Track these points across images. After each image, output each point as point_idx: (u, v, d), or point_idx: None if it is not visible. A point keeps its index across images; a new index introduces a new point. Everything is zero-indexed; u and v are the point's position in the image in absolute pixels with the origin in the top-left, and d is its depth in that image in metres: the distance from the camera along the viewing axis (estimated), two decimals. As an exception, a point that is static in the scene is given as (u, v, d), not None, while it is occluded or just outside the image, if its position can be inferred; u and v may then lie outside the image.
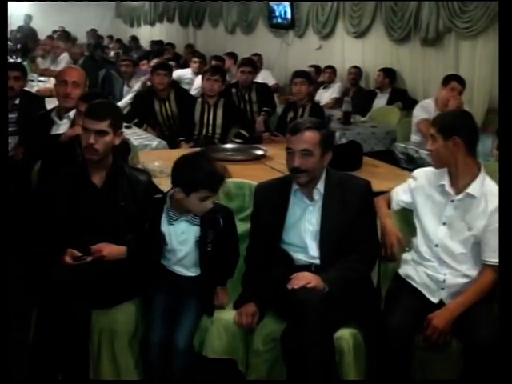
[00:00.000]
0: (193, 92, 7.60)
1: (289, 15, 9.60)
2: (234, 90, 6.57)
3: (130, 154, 3.83)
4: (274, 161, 4.54)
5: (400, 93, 7.46)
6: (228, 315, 2.87)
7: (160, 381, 2.82)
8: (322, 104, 7.20)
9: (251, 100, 6.58)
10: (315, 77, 8.14)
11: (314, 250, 2.88)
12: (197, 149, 4.83)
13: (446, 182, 2.86)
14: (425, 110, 5.44)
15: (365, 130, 6.22)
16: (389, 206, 3.12)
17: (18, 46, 12.20)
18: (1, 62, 2.79)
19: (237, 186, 3.39)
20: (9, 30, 12.21)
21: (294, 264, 2.89)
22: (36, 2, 15.56)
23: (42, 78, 8.88)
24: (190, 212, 2.82)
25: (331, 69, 8.48)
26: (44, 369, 2.76)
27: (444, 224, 2.85)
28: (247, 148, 5.05)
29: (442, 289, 2.83)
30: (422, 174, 3.01)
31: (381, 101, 7.46)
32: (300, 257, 2.91)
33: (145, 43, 14.48)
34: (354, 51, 8.48)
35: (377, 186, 3.27)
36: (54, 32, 14.76)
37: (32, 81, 8.02)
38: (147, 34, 15.48)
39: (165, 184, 3.20)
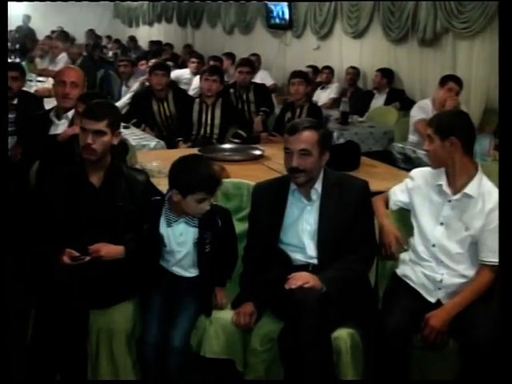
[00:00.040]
0: (191, 92, 7.60)
1: (287, 16, 9.61)
2: (232, 91, 6.57)
3: (129, 154, 3.84)
4: (271, 161, 4.54)
5: (398, 93, 7.48)
6: (226, 315, 2.88)
7: (156, 380, 2.82)
8: (319, 104, 7.21)
9: (249, 100, 6.59)
10: (313, 77, 8.15)
11: (311, 249, 2.88)
12: (195, 149, 4.85)
13: (443, 181, 2.86)
14: (422, 111, 5.46)
15: (362, 130, 6.24)
16: (386, 205, 3.12)
17: (17, 46, 12.17)
18: (1, 62, 2.79)
19: (235, 186, 3.40)
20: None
21: (292, 264, 2.90)
22: (35, 1, 15.53)
23: (40, 78, 8.86)
24: (188, 214, 2.83)
25: (329, 69, 8.50)
26: (42, 369, 2.77)
27: (441, 224, 2.86)
28: (245, 148, 5.05)
29: (440, 289, 2.83)
30: (420, 173, 3.02)
31: (378, 101, 7.48)
32: (298, 257, 2.91)
33: (143, 43, 14.48)
34: (351, 51, 8.49)
35: (374, 185, 3.28)
36: (53, 32, 14.75)
37: (30, 81, 8.01)
38: (145, 34, 15.47)
39: (163, 184, 3.20)
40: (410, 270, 2.93)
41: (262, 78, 8.41)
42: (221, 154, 4.71)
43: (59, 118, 3.98)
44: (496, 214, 2.73)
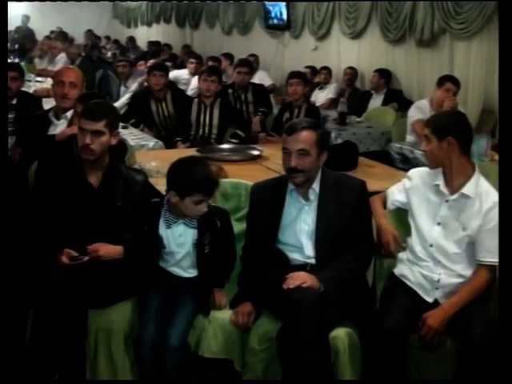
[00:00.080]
0: (189, 92, 7.60)
1: (285, 16, 9.62)
2: (230, 91, 6.59)
3: (127, 154, 3.84)
4: (269, 161, 4.55)
5: (395, 93, 7.48)
6: (224, 315, 2.88)
7: (154, 380, 2.81)
8: (317, 104, 7.22)
9: (247, 100, 6.60)
10: (311, 77, 8.15)
11: (309, 249, 2.89)
12: (193, 149, 4.86)
13: (440, 182, 2.87)
14: (420, 111, 5.46)
15: (360, 131, 6.24)
16: (384, 205, 3.13)
17: (16, 46, 12.19)
18: (1, 62, 2.79)
19: (233, 186, 3.40)
20: (6, 30, 12.16)
21: (290, 264, 2.90)
22: (35, 1, 15.52)
23: (39, 79, 8.86)
24: (186, 215, 2.85)
25: (327, 69, 8.51)
26: (41, 369, 2.77)
27: (439, 224, 2.87)
28: (243, 148, 5.06)
29: (437, 288, 2.84)
30: (417, 174, 3.02)
31: (376, 101, 7.49)
32: (296, 256, 2.92)
33: (142, 44, 14.48)
34: (349, 52, 8.50)
35: (372, 185, 3.29)
36: (52, 32, 14.77)
37: (29, 81, 8.02)
38: (144, 35, 15.47)
39: (161, 184, 3.21)
40: (407, 270, 2.94)
41: (260, 78, 8.42)
42: (219, 154, 4.72)
43: (58, 118, 3.99)
44: (493, 214, 2.74)
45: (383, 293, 2.99)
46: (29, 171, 3.62)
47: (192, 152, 4.66)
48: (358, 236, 2.86)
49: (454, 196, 2.83)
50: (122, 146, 3.70)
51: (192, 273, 2.94)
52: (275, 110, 6.41)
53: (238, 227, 3.16)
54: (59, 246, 2.87)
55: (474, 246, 2.80)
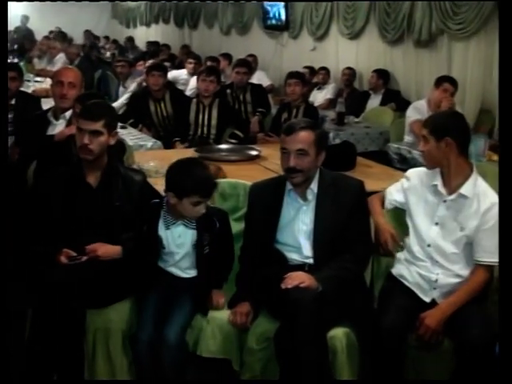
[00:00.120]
0: (188, 93, 7.61)
1: (283, 17, 9.62)
2: (228, 91, 6.59)
3: (126, 154, 3.85)
4: (268, 161, 4.56)
5: (393, 94, 7.49)
6: (222, 315, 2.88)
7: (151, 379, 2.81)
8: (316, 105, 7.24)
9: (246, 101, 6.61)
10: (309, 78, 8.17)
11: (307, 249, 2.90)
12: (192, 149, 4.86)
13: (438, 182, 2.87)
14: (418, 111, 5.46)
15: (358, 131, 6.25)
16: (383, 205, 3.13)
17: (15, 46, 12.19)
18: (1, 62, 2.79)
19: (231, 186, 3.41)
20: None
21: (288, 263, 2.91)
22: (35, 1, 15.51)
23: (38, 79, 8.88)
24: (185, 216, 2.85)
25: (325, 70, 8.51)
26: (39, 369, 2.77)
27: (436, 224, 2.87)
28: (242, 148, 5.07)
29: (435, 288, 2.85)
30: (415, 174, 3.03)
31: (374, 102, 7.49)
32: (294, 256, 2.92)
33: (141, 44, 14.49)
34: (347, 52, 8.51)
35: (370, 186, 3.29)
36: (51, 32, 14.76)
37: (28, 81, 8.02)
38: (143, 35, 15.47)
39: (160, 184, 3.21)
40: (405, 270, 2.94)
41: (258, 78, 8.43)
42: (217, 155, 4.73)
43: (57, 119, 3.99)
44: (491, 214, 2.75)
45: (381, 293, 3.00)
46: (28, 171, 3.62)
47: (190, 152, 4.67)
48: (356, 236, 2.87)
49: (452, 196, 2.83)
50: (121, 146, 3.70)
51: (190, 273, 2.94)
52: (273, 110, 6.41)
53: (237, 227, 3.16)
54: (58, 245, 2.87)
55: (472, 246, 2.81)
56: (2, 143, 2.64)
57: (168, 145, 5.47)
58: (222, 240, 2.95)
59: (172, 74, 8.35)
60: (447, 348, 2.76)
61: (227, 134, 5.68)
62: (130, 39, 14.96)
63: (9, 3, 3.18)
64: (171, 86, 6.72)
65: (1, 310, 2.34)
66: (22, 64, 7.92)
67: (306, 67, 8.61)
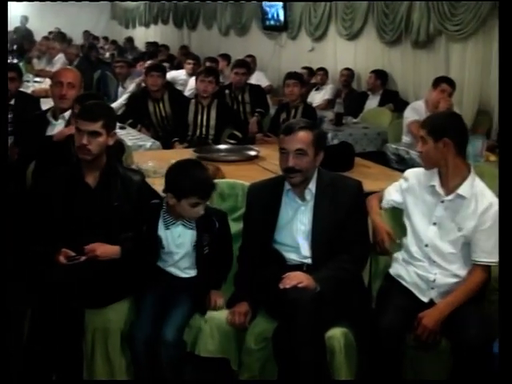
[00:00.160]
0: (187, 93, 7.62)
1: (282, 17, 9.63)
2: (227, 92, 6.60)
3: (124, 154, 3.85)
4: (266, 161, 4.56)
5: (391, 94, 7.50)
6: (221, 314, 2.89)
7: (148, 377, 2.81)
8: (314, 105, 7.24)
9: (244, 101, 6.62)
10: (308, 78, 8.17)
11: (305, 249, 2.90)
12: (191, 150, 4.87)
13: (436, 182, 2.88)
14: (416, 112, 5.47)
15: (356, 131, 6.26)
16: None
17: (14, 46, 12.16)
18: (1, 62, 2.80)
19: (230, 187, 3.41)
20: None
21: (286, 264, 2.91)
22: (35, 1, 15.50)
23: (37, 79, 8.88)
24: (184, 216, 2.86)
25: (323, 71, 8.52)
26: (38, 369, 2.77)
27: (434, 224, 2.88)
28: (240, 149, 5.08)
29: (432, 288, 2.85)
30: (413, 174, 3.04)
31: (372, 102, 7.50)
32: (292, 256, 2.93)
33: (140, 44, 14.49)
34: (346, 53, 8.51)
35: (368, 186, 3.30)
36: (50, 33, 14.75)
37: (27, 81, 8.02)
38: (142, 36, 15.48)
39: (158, 184, 3.22)
40: (403, 270, 2.95)
41: (257, 79, 8.43)
42: (216, 155, 4.73)
43: (56, 119, 3.99)
44: (488, 214, 2.76)
45: (379, 293, 3.00)
46: (27, 171, 3.63)
47: (189, 152, 4.68)
48: (354, 236, 2.88)
49: (450, 197, 2.84)
50: (120, 146, 3.71)
51: (190, 273, 2.95)
52: (272, 111, 6.42)
53: (235, 227, 3.16)
54: (56, 245, 2.88)
55: (470, 246, 2.82)
56: (1, 143, 2.64)
57: (167, 145, 5.48)
58: (222, 240, 2.96)
59: (171, 75, 8.35)
60: (445, 348, 2.76)
61: (226, 135, 5.68)
62: (129, 40, 14.96)
63: (8, 3, 3.18)
64: (170, 86, 6.73)
65: (0, 310, 2.34)
66: (21, 64, 7.92)
67: (304, 68, 8.61)
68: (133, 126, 5.91)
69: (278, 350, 2.69)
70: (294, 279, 2.68)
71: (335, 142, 5.63)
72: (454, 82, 5.51)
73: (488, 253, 2.75)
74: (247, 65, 7.02)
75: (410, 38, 7.16)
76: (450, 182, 2.85)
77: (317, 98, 8.24)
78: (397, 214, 3.09)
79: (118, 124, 3.89)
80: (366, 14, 7.91)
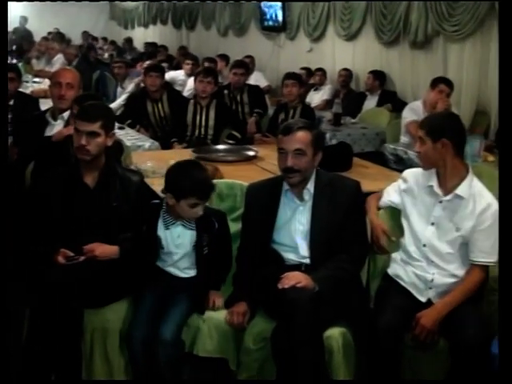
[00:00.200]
0: (185, 93, 7.62)
1: (280, 18, 9.63)
2: (226, 92, 6.60)
3: (123, 154, 3.86)
4: (265, 161, 4.56)
5: (389, 95, 7.51)
6: (219, 314, 2.89)
7: (146, 377, 2.82)
8: (312, 106, 7.24)
9: (243, 101, 6.62)
10: (306, 79, 8.18)
11: (304, 249, 2.91)
12: (189, 150, 4.87)
13: (434, 182, 2.89)
14: (414, 112, 5.48)
15: (355, 132, 6.26)
16: (379, 204, 3.16)
17: (14, 47, 12.17)
18: (0, 63, 2.80)
19: (228, 187, 3.41)
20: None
21: (285, 263, 2.92)
22: (35, 2, 15.49)
23: (36, 79, 8.88)
24: (183, 217, 2.87)
25: (322, 71, 8.52)
26: (37, 368, 2.77)
27: (432, 224, 2.88)
28: (239, 149, 5.08)
29: (430, 288, 2.86)
30: (411, 174, 3.04)
31: (371, 103, 7.51)
32: (290, 256, 2.93)
33: (139, 45, 14.48)
34: (344, 54, 8.52)
35: (366, 186, 3.31)
36: (49, 33, 14.74)
37: (26, 82, 8.02)
38: (141, 36, 15.47)
39: (157, 184, 3.23)
40: (401, 270, 2.95)
41: (255, 79, 8.43)
42: (215, 155, 4.74)
43: (55, 119, 4.00)
44: (486, 215, 2.76)
45: (377, 292, 3.01)
46: (26, 172, 3.63)
47: (188, 153, 4.68)
48: (352, 236, 2.88)
49: (448, 197, 2.85)
50: (118, 146, 3.71)
51: (189, 273, 2.95)
52: (270, 111, 6.42)
53: (234, 227, 3.17)
54: (55, 245, 2.88)
55: (467, 247, 2.82)
56: (1, 144, 2.65)
57: (166, 145, 5.48)
58: (221, 241, 2.97)
59: (169, 75, 8.35)
60: (443, 348, 2.77)
61: (224, 135, 5.69)
62: (128, 40, 14.95)
63: (8, 3, 3.19)
64: (169, 86, 6.73)
65: (0, 310, 2.34)
66: (20, 65, 7.94)
67: (302, 68, 8.61)
68: (131, 126, 5.91)
69: (277, 349, 2.69)
70: (292, 279, 2.68)
71: (333, 142, 5.64)
72: (451, 83, 5.52)
73: (486, 253, 2.76)
74: (246, 65, 7.03)
75: (408, 39, 7.17)
76: (448, 183, 2.86)
77: (315, 98, 8.25)
78: (395, 213, 3.09)
79: (117, 124, 3.89)
80: (364, 15, 7.91)
